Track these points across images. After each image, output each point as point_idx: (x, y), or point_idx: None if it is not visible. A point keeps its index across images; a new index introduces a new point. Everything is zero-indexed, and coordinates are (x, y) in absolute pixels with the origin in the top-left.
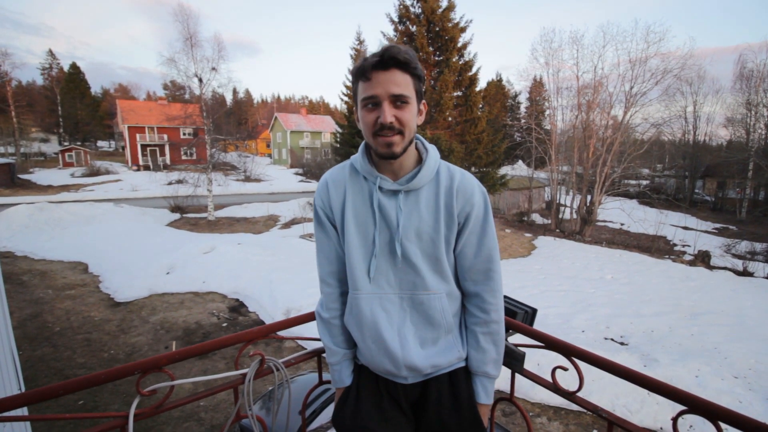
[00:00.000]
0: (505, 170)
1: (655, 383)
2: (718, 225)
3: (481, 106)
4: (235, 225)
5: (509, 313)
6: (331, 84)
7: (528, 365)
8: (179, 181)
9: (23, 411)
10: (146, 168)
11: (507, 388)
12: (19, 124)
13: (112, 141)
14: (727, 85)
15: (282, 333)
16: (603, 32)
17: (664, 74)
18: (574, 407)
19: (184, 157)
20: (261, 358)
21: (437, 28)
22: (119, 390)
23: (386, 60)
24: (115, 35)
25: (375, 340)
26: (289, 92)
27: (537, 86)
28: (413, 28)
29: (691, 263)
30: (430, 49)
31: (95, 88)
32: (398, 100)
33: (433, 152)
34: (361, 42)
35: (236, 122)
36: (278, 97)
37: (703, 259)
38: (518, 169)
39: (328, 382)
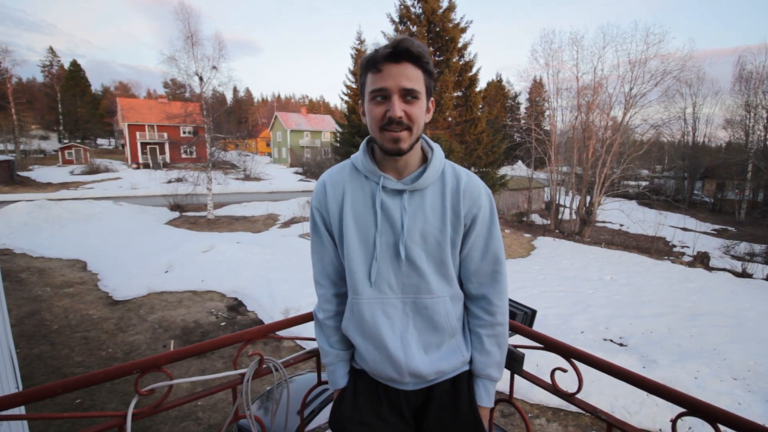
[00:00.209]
0: (505, 170)
1: (653, 385)
2: (717, 226)
3: (481, 106)
4: (234, 224)
5: (509, 314)
6: (331, 83)
7: (527, 366)
8: (179, 180)
9: (21, 410)
10: (146, 166)
11: (506, 389)
12: (19, 121)
13: (112, 139)
14: (726, 86)
15: (281, 333)
16: (603, 33)
17: (663, 76)
18: (573, 408)
19: (183, 156)
20: (260, 357)
21: (438, 29)
22: (117, 389)
23: (399, 52)
24: (116, 33)
25: (377, 346)
26: (290, 91)
27: (537, 87)
28: (414, 29)
29: (690, 264)
30: (431, 49)
31: (96, 86)
32: (408, 95)
33: (438, 151)
34: (361, 42)
35: (236, 121)
36: (278, 96)
37: (702, 260)
38: (518, 170)
39: (327, 382)
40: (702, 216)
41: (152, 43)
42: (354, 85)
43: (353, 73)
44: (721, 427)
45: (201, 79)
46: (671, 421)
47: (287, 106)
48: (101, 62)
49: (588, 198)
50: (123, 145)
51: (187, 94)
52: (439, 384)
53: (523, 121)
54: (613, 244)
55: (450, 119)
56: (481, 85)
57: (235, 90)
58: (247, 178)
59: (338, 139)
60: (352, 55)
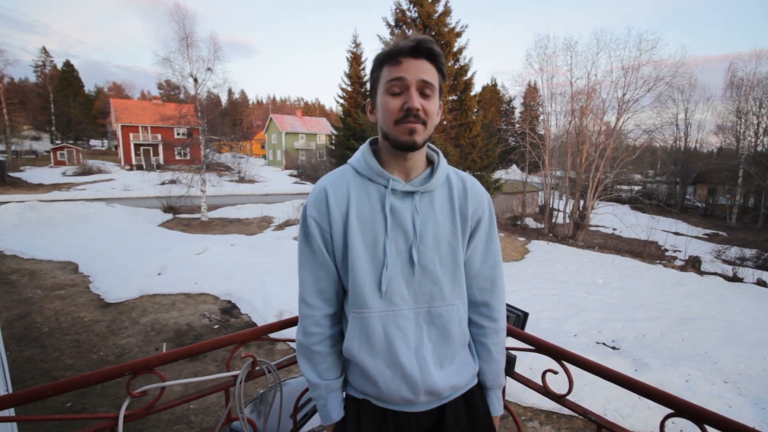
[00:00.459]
0: (499, 174)
1: (642, 386)
2: (708, 231)
3: (476, 110)
4: (228, 226)
5: None
6: (327, 86)
7: (520, 369)
8: (172, 181)
9: (10, 412)
10: (139, 167)
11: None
12: (11, 121)
13: (105, 140)
14: (717, 93)
15: (274, 335)
16: (596, 39)
17: (656, 82)
18: (566, 411)
19: (177, 157)
20: (252, 360)
21: (433, 33)
22: (108, 392)
23: (421, 48)
24: (111, 34)
25: (390, 364)
26: (285, 94)
27: (531, 91)
28: (409, 32)
29: (682, 268)
30: None
31: (89, 87)
32: (426, 89)
33: (442, 155)
34: (357, 45)
35: (231, 123)
36: (274, 98)
37: (693, 264)
38: (512, 174)
39: None
40: (694, 220)
41: (147, 44)
42: (349, 88)
43: (349, 75)
44: (709, 429)
45: (196, 80)
46: (660, 422)
47: (282, 109)
48: (95, 63)
49: (581, 202)
50: (116, 147)
51: (182, 96)
52: (452, 402)
53: (517, 125)
54: (606, 248)
55: (445, 123)
56: (476, 89)
57: (230, 92)
58: (242, 180)
59: (333, 141)
60: (347, 59)
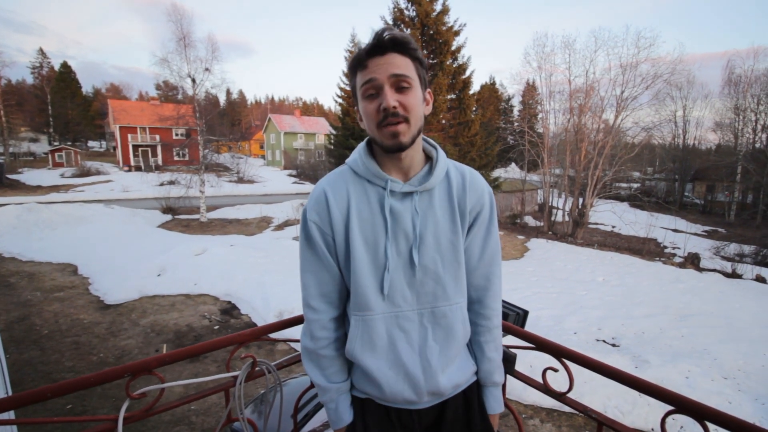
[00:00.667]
0: (498, 173)
1: (642, 383)
2: (707, 228)
3: (474, 109)
4: (227, 226)
5: (501, 315)
6: (325, 86)
7: (521, 367)
8: (171, 182)
9: (10, 415)
10: (138, 169)
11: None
12: (8, 123)
13: (103, 141)
14: (715, 90)
15: (274, 335)
16: (595, 37)
17: (654, 79)
18: (567, 409)
19: (176, 158)
20: (252, 360)
21: (431, 32)
22: (108, 394)
23: (382, 44)
24: (108, 35)
25: (393, 365)
26: (283, 93)
27: (530, 90)
28: (407, 31)
29: (681, 265)
30: (425, 52)
31: (87, 88)
32: (400, 83)
33: (441, 149)
34: (355, 44)
35: (229, 123)
36: (272, 98)
37: (692, 261)
38: (511, 172)
39: None
40: (692, 217)
41: (144, 45)
42: (348, 87)
43: (347, 75)
44: (710, 425)
45: (194, 81)
46: (660, 419)
47: (281, 109)
48: (92, 64)
49: (580, 200)
50: (114, 148)
51: (180, 96)
52: (452, 398)
53: (516, 124)
54: (606, 246)
55: (444, 121)
56: (475, 87)
57: (228, 92)
58: (241, 180)
59: (332, 141)
60: (345, 58)
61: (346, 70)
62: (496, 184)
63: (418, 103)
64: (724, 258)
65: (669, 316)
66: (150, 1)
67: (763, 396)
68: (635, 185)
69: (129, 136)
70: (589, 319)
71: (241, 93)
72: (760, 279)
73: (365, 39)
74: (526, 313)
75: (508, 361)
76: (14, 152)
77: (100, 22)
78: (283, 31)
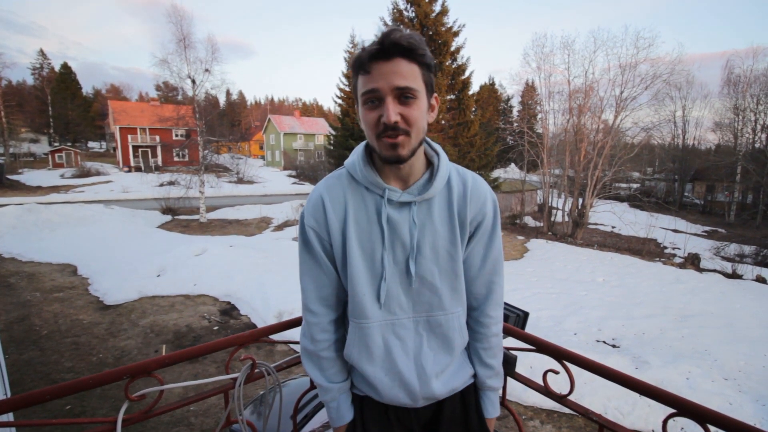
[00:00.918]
0: (498, 173)
1: (643, 386)
2: (707, 228)
3: (474, 109)
4: (227, 227)
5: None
6: (324, 86)
7: (521, 369)
8: (171, 183)
9: (9, 417)
10: (137, 169)
11: (499, 392)
12: (9, 124)
13: (103, 142)
14: (715, 90)
15: (273, 337)
16: (594, 38)
17: (653, 79)
18: (567, 410)
19: (176, 159)
20: (252, 362)
21: (431, 32)
22: (107, 395)
23: (387, 47)
24: (108, 36)
25: (389, 372)
26: (283, 94)
27: (529, 90)
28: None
29: (682, 266)
30: None
31: (87, 89)
32: (404, 95)
33: (443, 155)
34: (354, 45)
35: (229, 124)
36: (272, 99)
37: (692, 261)
38: (510, 173)
39: None
40: (692, 218)
41: (144, 46)
42: (347, 88)
43: (346, 76)
44: (711, 428)
45: (193, 81)
46: (662, 422)
47: (280, 109)
48: (92, 65)
49: (580, 200)
50: (114, 149)
51: (180, 97)
52: (449, 399)
53: (515, 124)
54: (606, 246)
55: (443, 122)
56: (474, 88)
57: (228, 93)
58: (240, 181)
59: (332, 142)
60: (345, 58)
61: (345, 70)
62: (495, 185)
63: (421, 115)
64: (724, 258)
65: (669, 317)
66: (150, 2)
67: (764, 397)
68: (635, 185)
69: (129, 136)
70: (589, 319)
71: (240, 94)
72: (760, 279)
73: (365, 39)
74: (526, 314)
75: (509, 363)
76: (14, 153)
77: (101, 23)
78: (283, 32)
